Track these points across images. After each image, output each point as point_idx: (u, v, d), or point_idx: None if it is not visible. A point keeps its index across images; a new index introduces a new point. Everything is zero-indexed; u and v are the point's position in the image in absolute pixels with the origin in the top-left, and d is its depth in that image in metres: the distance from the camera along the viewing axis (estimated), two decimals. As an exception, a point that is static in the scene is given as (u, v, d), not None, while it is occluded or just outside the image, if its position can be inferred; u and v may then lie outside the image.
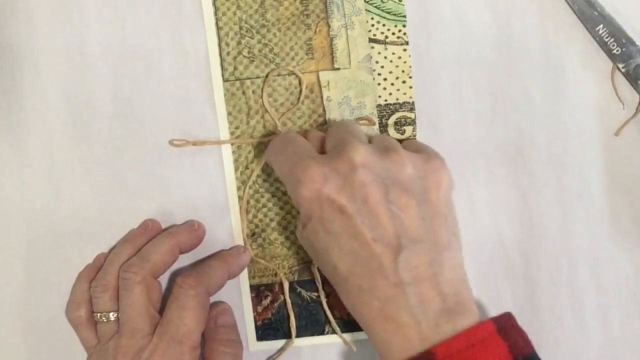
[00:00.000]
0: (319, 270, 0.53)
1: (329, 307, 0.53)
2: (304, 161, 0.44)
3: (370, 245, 0.42)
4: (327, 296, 0.53)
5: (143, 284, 0.49)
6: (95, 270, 0.52)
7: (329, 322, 0.53)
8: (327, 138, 0.48)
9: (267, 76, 0.53)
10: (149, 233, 0.52)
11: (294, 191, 0.45)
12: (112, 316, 0.50)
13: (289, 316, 0.53)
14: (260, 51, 0.53)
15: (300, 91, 0.53)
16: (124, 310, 0.49)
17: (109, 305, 0.50)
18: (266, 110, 0.53)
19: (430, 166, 0.45)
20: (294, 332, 0.53)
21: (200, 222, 0.53)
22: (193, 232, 0.52)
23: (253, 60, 0.53)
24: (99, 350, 0.49)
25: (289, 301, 0.53)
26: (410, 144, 0.49)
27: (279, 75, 0.53)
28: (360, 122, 0.52)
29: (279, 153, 0.48)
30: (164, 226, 0.53)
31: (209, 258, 0.52)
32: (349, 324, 0.53)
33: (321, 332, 0.54)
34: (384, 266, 0.42)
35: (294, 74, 0.53)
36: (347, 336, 0.53)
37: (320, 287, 0.53)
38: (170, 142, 0.53)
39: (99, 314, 0.50)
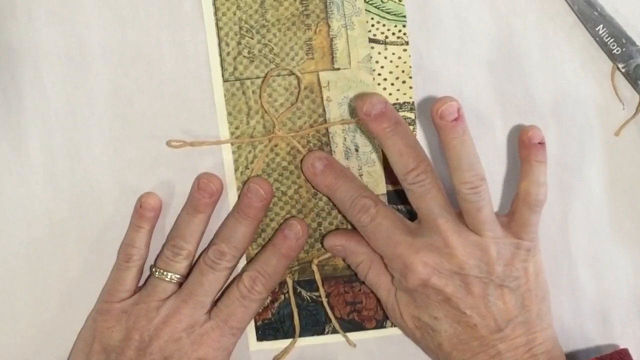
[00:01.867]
0: (318, 269, 0.53)
1: (329, 307, 0.53)
2: (406, 252, 0.49)
3: (473, 329, 0.48)
4: (327, 296, 0.53)
5: (229, 271, 0.52)
6: (151, 222, 0.52)
7: (330, 322, 0.53)
8: (415, 202, 0.49)
9: (265, 76, 0.53)
10: (216, 198, 0.52)
11: (399, 280, 0.50)
12: (176, 279, 0.51)
13: (293, 314, 0.53)
14: (260, 51, 0.53)
15: (299, 91, 0.53)
16: (202, 284, 0.51)
17: (181, 270, 0.52)
18: (265, 111, 0.53)
19: (519, 256, 0.49)
20: (297, 330, 0.53)
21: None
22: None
23: (253, 61, 0.53)
24: (147, 302, 0.51)
25: (293, 299, 0.53)
26: (518, 212, 0.50)
27: (278, 75, 0.53)
28: (359, 120, 0.52)
29: (370, 230, 0.50)
30: (163, 227, 0.53)
31: (270, 254, 0.52)
32: (349, 324, 0.54)
33: (321, 332, 0.54)
34: (484, 344, 0.48)
35: (293, 74, 0.53)
36: (348, 336, 0.53)
37: (320, 286, 0.53)
38: (168, 144, 0.53)
39: (167, 273, 0.51)
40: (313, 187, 0.53)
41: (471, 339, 0.48)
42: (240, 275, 0.52)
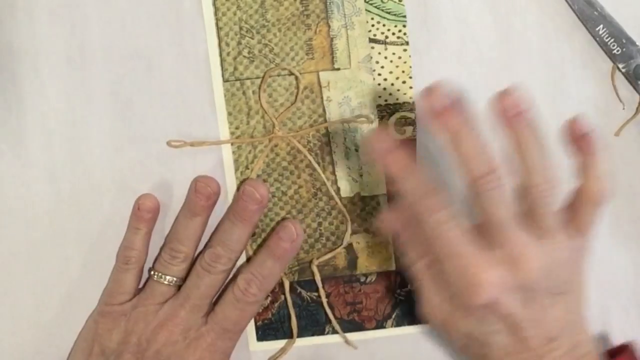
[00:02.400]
0: (319, 269, 0.53)
1: (329, 307, 0.53)
2: (474, 267, 0.44)
3: (528, 342, 0.45)
4: (327, 296, 0.53)
5: (226, 274, 0.52)
6: (149, 224, 0.52)
7: (330, 322, 0.53)
8: (486, 208, 0.45)
9: (264, 76, 0.53)
10: (213, 201, 0.52)
11: (461, 294, 0.45)
12: (175, 282, 0.51)
13: (290, 316, 0.53)
14: (260, 51, 0.53)
15: (298, 91, 0.53)
16: (198, 287, 0.51)
17: (179, 273, 0.52)
18: (265, 111, 0.53)
19: (583, 257, 0.47)
20: (295, 331, 0.53)
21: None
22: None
23: (253, 60, 0.53)
24: (145, 305, 0.51)
25: (289, 300, 0.53)
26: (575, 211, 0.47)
27: (279, 75, 0.53)
28: (359, 120, 0.53)
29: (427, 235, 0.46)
30: (163, 227, 0.53)
31: (264, 256, 0.51)
32: (349, 324, 0.53)
33: (322, 332, 0.54)
34: (536, 355, 0.45)
35: (292, 73, 0.53)
36: (348, 336, 0.53)
37: (320, 287, 0.53)
38: (168, 144, 0.53)
39: (165, 276, 0.51)
40: (379, 164, 0.46)
41: (524, 351, 0.46)
42: (235, 277, 0.52)
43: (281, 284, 0.53)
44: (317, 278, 0.53)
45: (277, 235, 0.52)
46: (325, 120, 0.53)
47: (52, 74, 0.53)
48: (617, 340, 0.53)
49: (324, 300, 0.53)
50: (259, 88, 0.53)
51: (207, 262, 0.51)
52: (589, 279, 0.53)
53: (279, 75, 0.53)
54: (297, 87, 0.53)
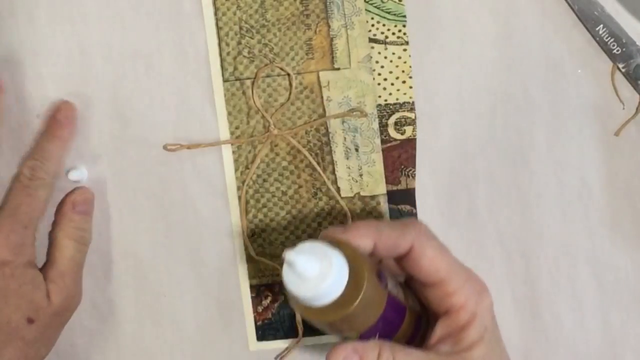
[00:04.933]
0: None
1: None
2: None
3: None
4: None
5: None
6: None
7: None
8: None
9: (256, 75, 0.53)
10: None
11: None
12: None
13: (295, 315, 0.53)
14: (260, 51, 0.53)
15: (291, 89, 0.53)
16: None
17: None
18: (258, 109, 0.53)
19: None
20: (300, 329, 0.53)
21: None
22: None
23: (253, 60, 0.53)
24: None
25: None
26: None
27: (278, 75, 0.53)
28: (353, 114, 0.53)
29: None
30: (163, 227, 0.53)
31: (42, 140, 0.52)
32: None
33: (323, 332, 0.54)
34: None
35: (286, 72, 0.53)
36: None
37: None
38: (165, 147, 0.53)
39: None
40: None
41: None
42: (20, 169, 0.51)
43: (282, 284, 0.53)
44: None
45: (54, 118, 0.52)
46: (326, 121, 0.53)
47: (52, 74, 0.53)
48: (617, 340, 0.53)
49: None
50: (252, 86, 0.53)
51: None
52: (590, 278, 0.53)
53: (278, 75, 0.53)
54: (290, 85, 0.53)
